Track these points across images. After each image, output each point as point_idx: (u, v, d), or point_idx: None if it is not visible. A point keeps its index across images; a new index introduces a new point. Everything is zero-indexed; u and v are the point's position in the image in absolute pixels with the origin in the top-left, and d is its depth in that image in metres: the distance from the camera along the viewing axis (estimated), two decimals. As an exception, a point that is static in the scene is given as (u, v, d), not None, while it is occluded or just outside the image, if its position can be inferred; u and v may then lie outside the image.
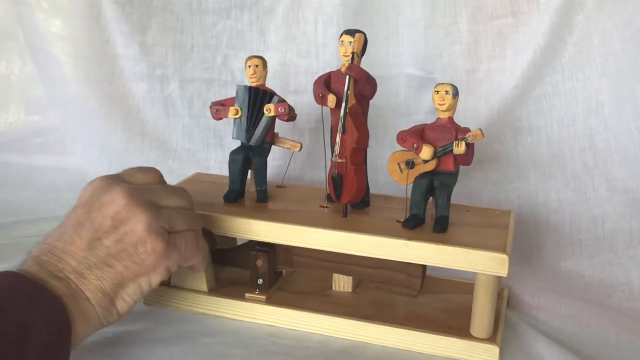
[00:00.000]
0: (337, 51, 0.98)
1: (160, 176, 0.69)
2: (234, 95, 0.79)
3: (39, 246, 0.61)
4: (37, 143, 1.16)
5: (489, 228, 0.72)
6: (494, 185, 0.96)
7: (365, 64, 0.74)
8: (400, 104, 1.02)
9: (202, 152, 1.09)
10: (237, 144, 1.06)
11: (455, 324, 0.71)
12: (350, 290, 0.78)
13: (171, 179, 1.06)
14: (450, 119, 0.72)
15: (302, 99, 1.01)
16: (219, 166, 1.08)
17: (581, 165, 0.91)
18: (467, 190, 0.96)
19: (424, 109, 1.00)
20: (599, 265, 0.86)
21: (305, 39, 1.01)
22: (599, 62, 0.89)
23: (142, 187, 0.64)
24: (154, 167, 0.69)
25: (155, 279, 0.63)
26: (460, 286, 0.80)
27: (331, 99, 0.72)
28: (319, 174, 1.05)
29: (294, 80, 1.02)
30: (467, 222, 0.73)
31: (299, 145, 0.80)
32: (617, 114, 0.87)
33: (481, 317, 0.68)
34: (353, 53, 0.71)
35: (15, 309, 0.53)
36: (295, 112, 0.79)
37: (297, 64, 1.02)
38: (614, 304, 0.81)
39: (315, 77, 1.01)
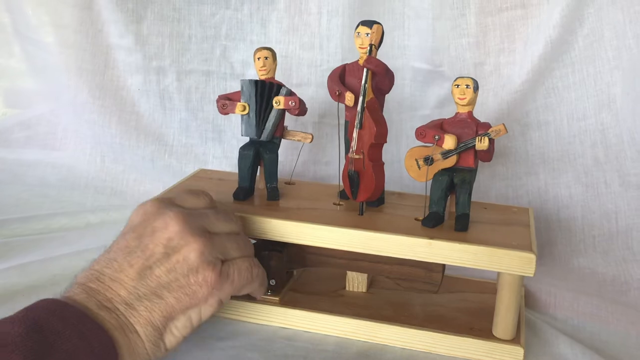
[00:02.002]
0: (342, 43, 0.98)
1: (212, 199, 0.66)
2: (238, 88, 0.76)
3: (85, 272, 0.57)
4: (26, 136, 1.11)
5: (509, 226, 0.70)
6: (502, 181, 0.95)
7: None
8: (405, 98, 0.99)
9: (200, 146, 1.05)
10: (237, 138, 1.04)
11: (477, 324, 0.69)
12: (364, 290, 0.76)
13: (168, 175, 1.04)
14: (470, 113, 0.70)
15: (306, 92, 0.98)
16: (218, 162, 1.04)
17: (592, 160, 0.89)
18: (474, 186, 0.94)
19: (429, 104, 0.98)
20: (612, 262, 0.85)
21: (309, 31, 0.98)
22: (610, 56, 0.87)
23: (194, 212, 0.61)
24: (203, 190, 0.67)
25: (206, 311, 0.59)
26: (478, 285, 0.78)
27: (349, 97, 0.69)
28: (322, 170, 1.03)
29: (297, 73, 0.99)
30: (487, 220, 0.72)
31: (310, 136, 0.77)
32: (630, 108, 0.86)
33: (505, 318, 0.66)
34: (371, 45, 0.69)
35: (64, 344, 0.49)
36: (306, 105, 0.76)
37: (300, 57, 0.99)
38: (631, 302, 0.80)
39: (319, 71, 1.00)
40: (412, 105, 0.99)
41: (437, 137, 0.68)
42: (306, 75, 0.99)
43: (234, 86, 1.02)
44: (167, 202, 0.61)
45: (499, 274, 0.76)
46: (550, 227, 0.90)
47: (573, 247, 0.88)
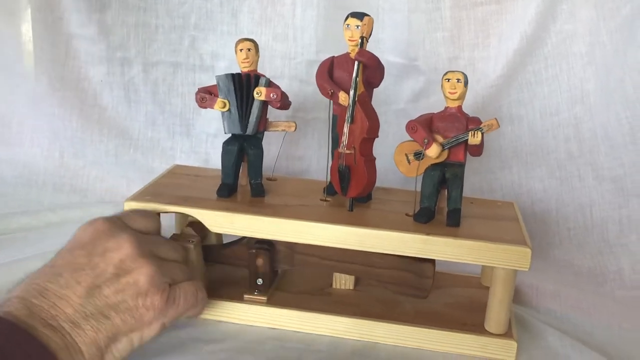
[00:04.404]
0: (316, 35, 0.96)
1: (159, 224, 0.66)
2: (213, 81, 0.73)
3: (25, 285, 0.54)
4: (-22, 130, 1.04)
5: (498, 220, 0.71)
6: (476, 175, 0.95)
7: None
8: (379, 92, 0.96)
9: (167, 140, 1.01)
10: (206, 132, 1.01)
11: (468, 319, 0.69)
12: (351, 287, 0.75)
13: (133, 171, 1.00)
14: (460, 107, 0.70)
15: (279, 85, 0.95)
16: (186, 156, 1.01)
17: (566, 154, 0.91)
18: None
19: (404, 98, 0.98)
20: (588, 254, 0.87)
21: (282, 22, 0.96)
22: (584, 52, 0.89)
23: (146, 237, 0.61)
24: (152, 211, 0.67)
25: (148, 334, 0.58)
26: (463, 280, 0.78)
27: (343, 97, 0.67)
28: (296, 165, 1.01)
29: (270, 65, 0.96)
30: (475, 215, 0.71)
31: (294, 124, 0.75)
32: (604, 104, 0.88)
33: (498, 313, 0.66)
34: (362, 37, 0.67)
35: None
36: (289, 99, 0.74)
37: (273, 48, 0.96)
38: (608, 293, 0.82)
39: (293, 63, 0.98)
40: (386, 99, 0.98)
41: (426, 140, 0.67)
42: (279, 67, 0.97)
43: (204, 78, 0.99)
44: (118, 222, 0.61)
45: (484, 268, 0.77)
46: (526, 220, 0.89)
47: (549, 239, 0.90)
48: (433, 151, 0.67)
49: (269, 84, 0.72)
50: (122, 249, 0.57)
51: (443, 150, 0.68)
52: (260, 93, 0.71)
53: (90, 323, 0.53)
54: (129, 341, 0.57)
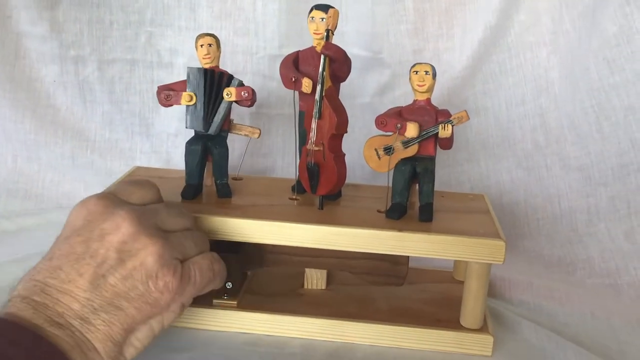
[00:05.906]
0: (279, 29, 0.93)
1: (158, 190, 0.60)
2: (172, 78, 0.71)
3: (25, 283, 0.50)
4: None
5: (471, 214, 0.70)
6: (444, 169, 0.94)
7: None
8: (344, 86, 0.95)
9: (126, 141, 0.97)
10: (167, 132, 0.98)
11: (443, 315, 0.68)
12: (323, 287, 0.73)
13: (91, 174, 0.96)
14: (429, 100, 0.69)
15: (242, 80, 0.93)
16: (146, 157, 0.97)
17: (532, 144, 0.91)
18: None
19: (369, 91, 0.96)
20: (557, 243, 0.86)
21: (243, 16, 0.93)
22: (547, 40, 0.89)
23: (146, 209, 0.55)
24: (148, 180, 0.61)
25: (169, 318, 0.54)
26: (434, 275, 0.77)
27: (307, 83, 0.65)
28: (260, 162, 0.98)
29: (231, 61, 0.93)
30: (447, 209, 0.70)
31: (258, 131, 0.73)
32: (569, 93, 0.87)
33: (473, 308, 0.65)
34: (328, 30, 0.65)
35: None
36: (256, 95, 0.72)
37: (234, 43, 0.94)
38: (578, 282, 0.82)
39: (255, 58, 0.95)
40: (351, 93, 0.96)
41: (399, 125, 0.66)
42: (242, 63, 0.94)
43: (162, 75, 0.96)
44: (113, 198, 0.54)
45: (457, 262, 0.77)
46: (495, 212, 0.89)
47: (518, 230, 0.89)
48: (412, 130, 0.66)
49: (241, 85, 0.69)
50: (121, 229, 0.51)
51: (416, 142, 0.67)
52: (230, 94, 0.69)
53: (100, 317, 0.49)
54: (149, 329, 0.53)
